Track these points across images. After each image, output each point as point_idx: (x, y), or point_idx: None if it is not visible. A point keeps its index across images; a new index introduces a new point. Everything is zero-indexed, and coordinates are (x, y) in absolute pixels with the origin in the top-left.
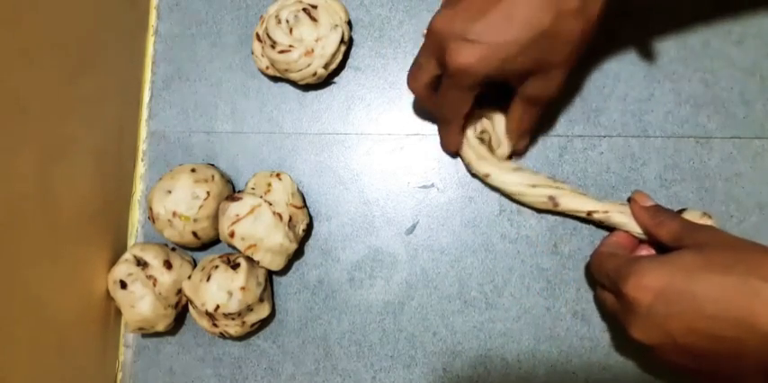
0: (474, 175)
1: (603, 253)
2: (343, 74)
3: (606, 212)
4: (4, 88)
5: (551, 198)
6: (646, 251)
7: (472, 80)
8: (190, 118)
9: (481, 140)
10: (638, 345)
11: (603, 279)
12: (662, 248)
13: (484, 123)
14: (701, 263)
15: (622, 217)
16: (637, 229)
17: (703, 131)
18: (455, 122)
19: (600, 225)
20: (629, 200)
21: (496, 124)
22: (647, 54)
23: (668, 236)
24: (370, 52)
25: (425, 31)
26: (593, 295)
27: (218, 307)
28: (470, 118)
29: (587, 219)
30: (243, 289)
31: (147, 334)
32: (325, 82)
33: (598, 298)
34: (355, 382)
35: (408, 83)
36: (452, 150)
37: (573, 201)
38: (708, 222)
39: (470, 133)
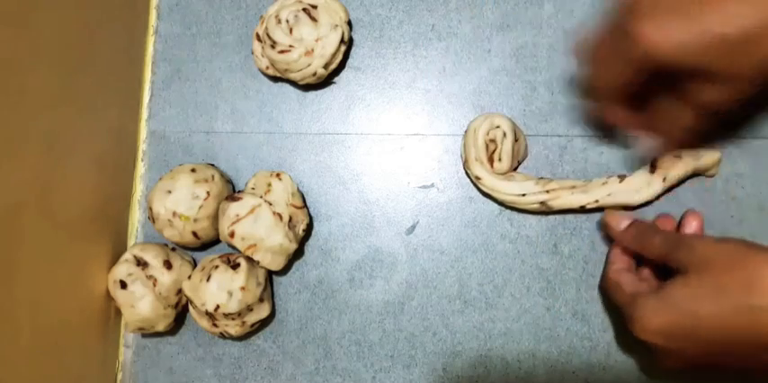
0: (467, 175)
1: (611, 280)
2: (343, 74)
3: (596, 201)
4: (3, 88)
5: (543, 203)
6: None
7: (659, 56)
8: (190, 118)
9: (487, 146)
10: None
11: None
12: None
13: (497, 133)
14: (691, 295)
15: (611, 198)
16: (629, 200)
17: (703, 131)
18: (605, 92)
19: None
20: (601, 222)
21: (506, 141)
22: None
23: (655, 256)
24: (370, 52)
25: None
26: (596, 291)
27: (218, 307)
28: (483, 122)
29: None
30: (243, 289)
31: (147, 333)
32: (325, 82)
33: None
34: (355, 382)
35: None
36: (606, 121)
37: (564, 202)
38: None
39: (481, 132)
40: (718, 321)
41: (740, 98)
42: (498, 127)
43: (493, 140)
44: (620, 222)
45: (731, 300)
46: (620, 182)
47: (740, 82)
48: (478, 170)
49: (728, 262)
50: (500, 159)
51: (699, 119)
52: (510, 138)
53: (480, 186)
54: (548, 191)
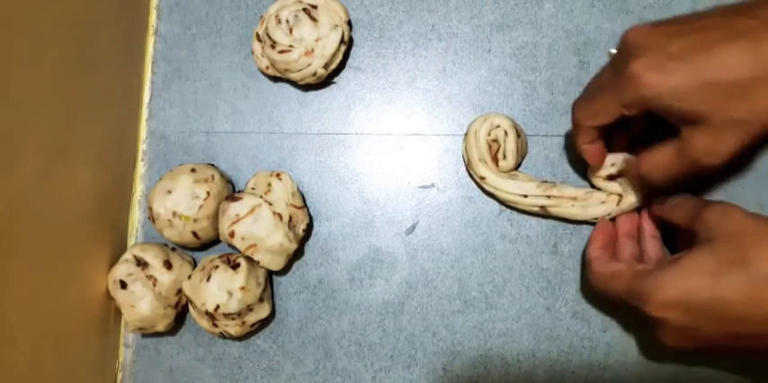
0: (471, 176)
1: (601, 274)
2: (343, 74)
3: (595, 219)
4: (3, 88)
5: (543, 207)
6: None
7: (644, 97)
8: (190, 118)
9: (490, 146)
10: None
11: (616, 300)
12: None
13: (498, 132)
14: (715, 265)
15: (608, 217)
16: (627, 204)
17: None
18: (583, 128)
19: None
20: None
21: (509, 139)
22: None
23: (682, 218)
24: (370, 52)
25: (612, 51)
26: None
27: (218, 307)
28: (483, 123)
29: None
30: (243, 289)
31: (147, 333)
32: (325, 82)
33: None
34: (355, 382)
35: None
36: (587, 159)
37: (563, 212)
38: None
39: (482, 133)
40: (744, 294)
41: (729, 151)
42: (498, 126)
43: (495, 140)
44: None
45: (754, 272)
46: (618, 204)
47: (732, 130)
48: (483, 170)
49: (761, 235)
50: (504, 157)
51: (679, 170)
52: (512, 135)
53: (485, 186)
54: (549, 197)
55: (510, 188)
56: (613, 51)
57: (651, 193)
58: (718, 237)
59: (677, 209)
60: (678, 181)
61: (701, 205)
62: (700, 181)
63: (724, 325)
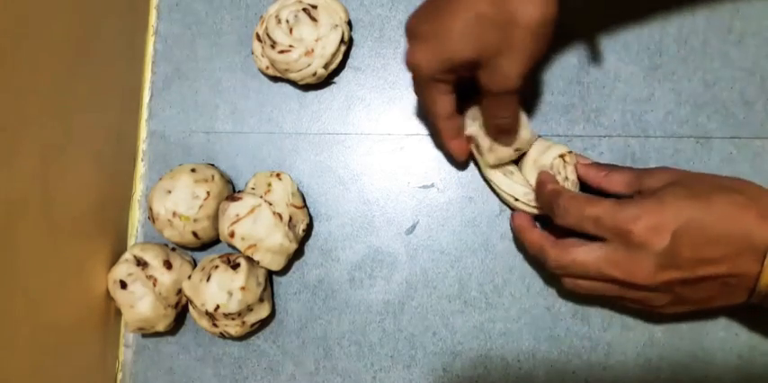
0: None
1: (575, 216)
2: (343, 74)
3: None
4: (3, 88)
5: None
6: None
7: (424, 76)
8: (190, 118)
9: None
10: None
11: (588, 227)
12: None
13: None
14: (689, 194)
15: None
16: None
17: (703, 131)
18: (439, 125)
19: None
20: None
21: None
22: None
23: (622, 185)
24: (370, 52)
25: None
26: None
27: (218, 307)
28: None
29: None
30: (243, 289)
31: (147, 333)
32: (325, 82)
33: (563, 257)
34: (355, 382)
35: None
36: (454, 156)
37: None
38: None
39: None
40: (718, 215)
41: (515, 75)
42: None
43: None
44: (584, 159)
45: (726, 197)
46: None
47: (506, 58)
48: (491, 158)
49: (708, 176)
50: (489, 151)
51: (495, 105)
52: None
53: (487, 175)
54: (536, 207)
55: (507, 188)
56: None
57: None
58: (679, 180)
59: (614, 177)
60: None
61: (639, 171)
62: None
63: (700, 249)
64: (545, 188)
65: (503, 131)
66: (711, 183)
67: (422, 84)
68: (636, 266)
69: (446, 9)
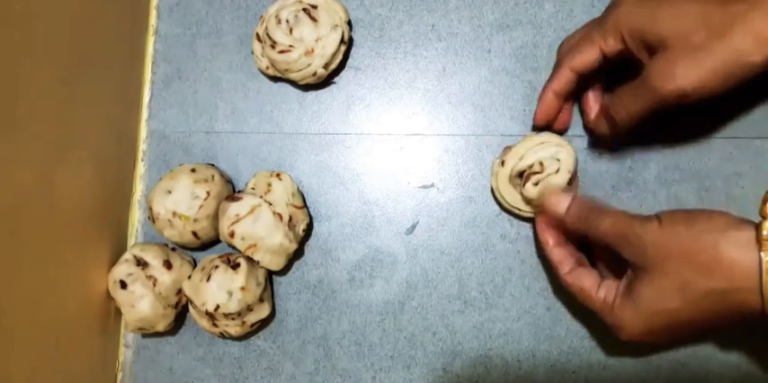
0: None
1: (573, 286)
2: (343, 74)
3: None
4: (3, 88)
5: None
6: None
7: (619, 22)
8: (190, 118)
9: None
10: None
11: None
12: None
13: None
14: (661, 294)
15: None
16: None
17: (703, 131)
18: (560, 71)
19: None
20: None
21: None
22: None
23: (603, 246)
24: (370, 52)
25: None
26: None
27: (218, 307)
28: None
29: None
30: (243, 289)
31: (147, 333)
32: (325, 82)
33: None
34: (355, 382)
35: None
36: (540, 105)
37: None
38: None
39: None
40: (693, 312)
41: (686, 76)
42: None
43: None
44: (561, 203)
45: (698, 290)
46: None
47: (691, 56)
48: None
49: (682, 253)
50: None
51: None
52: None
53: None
54: (536, 213)
55: (508, 197)
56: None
57: (615, 140)
58: (647, 267)
59: (594, 232)
60: (645, 117)
61: (618, 231)
62: (667, 117)
63: (677, 330)
64: (559, 272)
65: (612, 122)
66: (691, 269)
67: (604, 34)
68: (624, 324)
69: None
